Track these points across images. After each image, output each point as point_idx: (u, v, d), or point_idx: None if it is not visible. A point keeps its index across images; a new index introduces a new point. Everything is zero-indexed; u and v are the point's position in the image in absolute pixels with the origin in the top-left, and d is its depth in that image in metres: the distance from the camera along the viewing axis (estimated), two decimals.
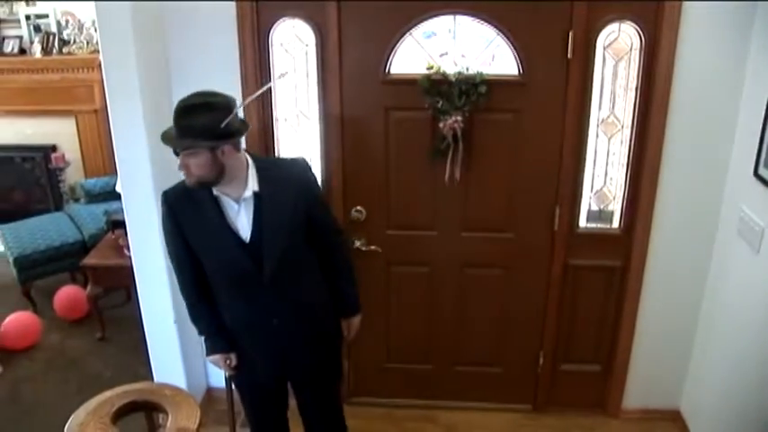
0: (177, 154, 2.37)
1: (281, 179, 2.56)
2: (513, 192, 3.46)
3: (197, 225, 2.54)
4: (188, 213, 2.53)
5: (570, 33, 3.12)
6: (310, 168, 2.70)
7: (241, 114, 2.62)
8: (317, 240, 2.72)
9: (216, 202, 2.50)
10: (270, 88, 2.60)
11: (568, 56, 3.16)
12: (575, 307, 3.66)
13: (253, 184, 2.48)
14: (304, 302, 2.69)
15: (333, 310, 2.88)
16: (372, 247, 3.59)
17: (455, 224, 3.55)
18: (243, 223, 2.52)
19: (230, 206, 2.51)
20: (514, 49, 3.20)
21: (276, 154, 3.52)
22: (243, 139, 2.48)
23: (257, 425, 3.02)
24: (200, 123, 2.28)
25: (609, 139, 3.36)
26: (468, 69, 3.22)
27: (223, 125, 2.28)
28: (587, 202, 3.50)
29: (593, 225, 3.54)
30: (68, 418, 1.86)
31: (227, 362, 2.77)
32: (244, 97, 3.29)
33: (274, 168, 2.61)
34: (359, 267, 3.57)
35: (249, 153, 2.55)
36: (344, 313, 2.95)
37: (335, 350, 2.96)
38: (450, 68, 3.24)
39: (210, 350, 2.76)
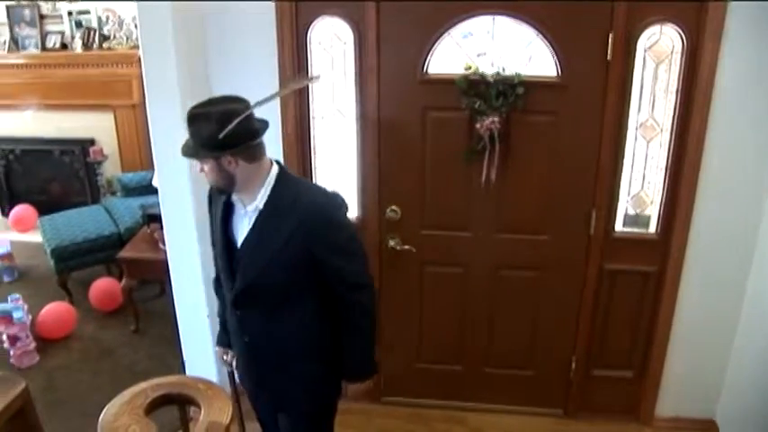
0: None
1: (289, 208, 2.39)
2: (549, 194, 3.43)
3: (214, 218, 2.59)
4: (214, 205, 2.58)
5: (610, 35, 3.09)
6: (339, 208, 2.47)
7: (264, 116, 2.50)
8: (331, 290, 2.49)
9: (230, 204, 2.50)
10: (296, 87, 2.45)
11: (608, 58, 3.13)
12: (609, 312, 3.62)
13: (261, 201, 2.41)
14: (275, 336, 2.55)
15: (321, 360, 2.63)
16: (406, 247, 3.58)
17: (489, 225, 3.53)
18: (241, 233, 2.48)
19: (239, 212, 2.48)
20: (553, 50, 3.17)
21: (312, 152, 3.54)
22: (271, 148, 2.45)
23: (260, 422, 2.97)
24: (201, 133, 2.27)
25: (647, 143, 3.32)
26: (505, 70, 3.20)
27: (221, 136, 2.21)
28: (624, 206, 3.45)
29: (629, 229, 3.49)
30: (102, 407, 1.88)
31: (225, 357, 2.80)
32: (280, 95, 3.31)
33: (292, 194, 2.42)
34: (392, 266, 3.63)
35: (282, 168, 2.46)
36: (343, 375, 2.68)
37: (315, 395, 2.70)
38: (488, 69, 3.22)
39: (217, 340, 2.84)
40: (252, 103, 2.27)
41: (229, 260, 2.51)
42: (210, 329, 3.57)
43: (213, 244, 2.63)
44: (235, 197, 2.46)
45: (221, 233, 2.52)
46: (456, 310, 3.75)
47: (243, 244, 2.47)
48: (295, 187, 2.46)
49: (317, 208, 2.41)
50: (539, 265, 3.60)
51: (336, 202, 2.47)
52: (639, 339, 3.65)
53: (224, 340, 2.79)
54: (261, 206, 2.40)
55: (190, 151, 2.34)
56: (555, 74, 3.22)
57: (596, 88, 3.19)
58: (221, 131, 2.20)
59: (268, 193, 2.40)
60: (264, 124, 2.38)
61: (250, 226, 2.44)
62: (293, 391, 2.63)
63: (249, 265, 2.46)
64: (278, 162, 2.47)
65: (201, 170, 2.36)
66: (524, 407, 3.92)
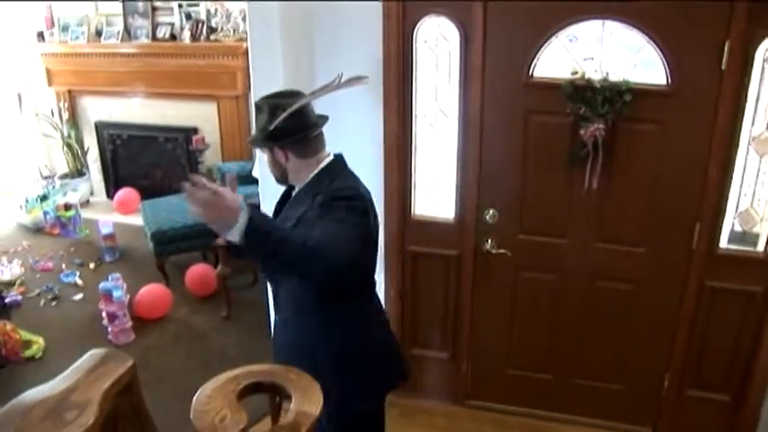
0: None
1: (311, 198, 2.34)
2: (652, 205, 3.33)
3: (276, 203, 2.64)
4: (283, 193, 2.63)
5: (726, 44, 2.97)
6: (346, 199, 2.27)
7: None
8: None
9: (290, 193, 2.55)
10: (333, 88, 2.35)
11: (722, 67, 3.01)
12: (707, 331, 3.48)
13: (299, 188, 2.46)
14: (296, 327, 2.52)
15: (338, 370, 2.47)
16: (502, 251, 3.55)
17: (588, 234, 3.46)
18: None
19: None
20: (664, 57, 3.08)
21: (413, 150, 3.55)
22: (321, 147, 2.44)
23: None
24: (257, 124, 2.37)
25: (760, 158, 3.18)
26: (608, 75, 3.13)
27: (271, 128, 2.29)
28: (730, 222, 3.32)
29: (734, 246, 3.35)
30: (191, 389, 1.92)
31: None
32: (385, 93, 3.33)
33: (326, 182, 2.38)
34: (486, 269, 3.62)
35: (336, 160, 2.44)
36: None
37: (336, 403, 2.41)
38: (595, 74, 3.15)
39: None
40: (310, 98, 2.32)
41: None
42: None
43: None
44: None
45: (274, 214, 2.59)
46: (548, 318, 3.70)
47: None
48: (333, 177, 2.40)
49: (332, 188, 2.31)
50: (636, 278, 3.50)
51: (349, 194, 2.30)
52: (739, 362, 3.50)
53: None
54: (296, 192, 2.47)
55: (251, 139, 2.46)
56: (664, 82, 3.12)
57: (708, 98, 3.08)
58: (271, 123, 2.27)
59: (308, 179, 2.42)
60: (322, 120, 2.41)
61: (284, 208, 2.52)
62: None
63: None
64: (336, 155, 2.47)
65: (266, 160, 2.45)
66: (612, 422, 3.82)
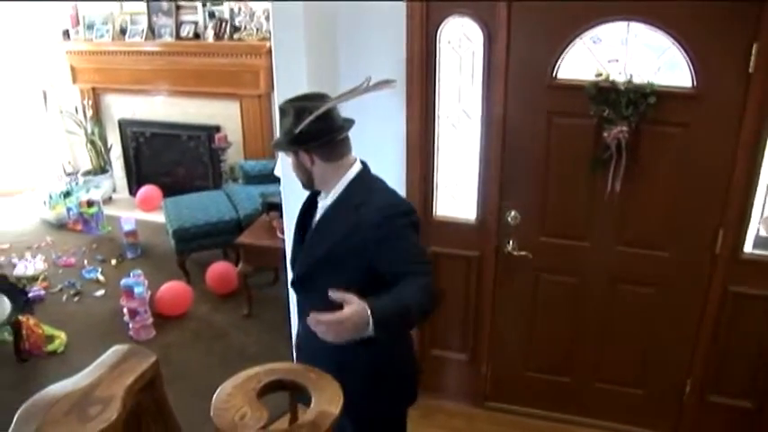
0: None
1: (354, 208, 2.31)
2: (675, 209, 3.30)
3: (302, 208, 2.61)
4: (308, 197, 2.60)
5: (754, 46, 2.93)
6: (403, 216, 2.29)
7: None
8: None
9: (315, 199, 2.52)
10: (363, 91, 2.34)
11: (750, 70, 2.98)
12: (730, 336, 3.44)
13: (332, 197, 2.40)
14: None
15: (368, 375, 2.44)
16: (523, 253, 3.53)
17: (610, 237, 3.43)
18: (313, 224, 2.50)
19: (320, 204, 2.48)
20: (689, 59, 3.05)
21: (435, 150, 3.54)
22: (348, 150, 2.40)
23: None
24: (282, 127, 2.34)
25: None
26: (633, 77, 3.11)
27: (296, 131, 2.25)
28: (755, 228, 3.29)
29: (759, 252, 3.31)
30: (211, 386, 1.92)
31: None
32: (408, 93, 3.33)
33: (362, 195, 2.34)
34: (507, 271, 3.61)
35: (364, 169, 2.42)
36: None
37: (359, 407, 2.30)
38: (619, 76, 3.13)
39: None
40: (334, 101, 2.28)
41: (299, 247, 2.55)
42: None
43: None
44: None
45: (299, 220, 2.57)
46: (568, 321, 3.68)
47: (309, 235, 2.49)
48: (368, 189, 2.37)
49: (380, 212, 2.27)
50: (658, 282, 3.47)
51: (403, 210, 2.33)
52: (762, 370, 3.46)
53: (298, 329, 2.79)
54: (329, 203, 2.40)
55: (275, 142, 2.43)
56: (689, 84, 3.09)
57: (734, 101, 3.05)
58: (296, 127, 2.24)
59: (341, 190, 2.38)
60: (349, 123, 2.37)
61: (318, 219, 2.46)
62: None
63: (307, 256, 2.47)
64: (363, 162, 2.44)
65: (291, 163, 2.42)
66: (632, 426, 3.79)
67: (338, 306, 2.14)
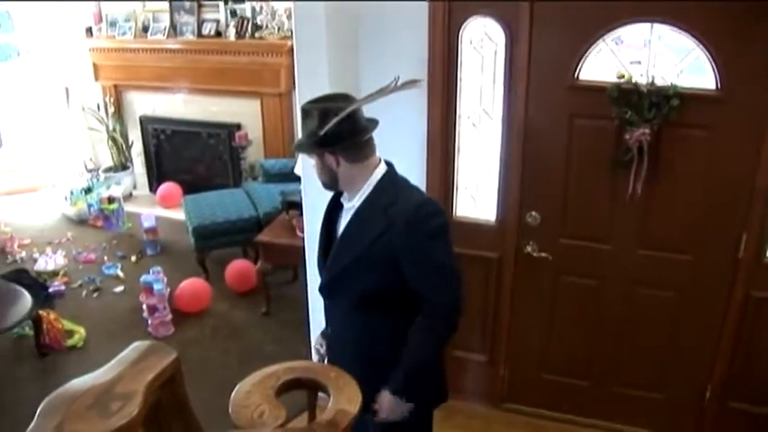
0: None
1: (383, 210, 2.33)
2: (697, 212, 3.27)
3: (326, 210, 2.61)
4: (332, 199, 2.60)
5: None
6: (433, 216, 2.34)
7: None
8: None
9: (339, 197, 2.52)
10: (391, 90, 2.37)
11: None
12: (753, 342, 3.41)
13: (359, 200, 2.40)
14: (354, 336, 2.52)
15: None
16: (543, 254, 3.52)
17: (631, 240, 3.41)
18: (340, 228, 2.49)
19: (345, 207, 2.48)
20: (714, 62, 3.02)
21: (456, 151, 3.53)
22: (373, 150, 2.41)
23: None
24: (306, 128, 2.33)
25: None
26: (653, 79, 3.09)
27: (321, 133, 2.24)
28: None
29: None
30: (228, 383, 1.93)
31: (320, 347, 2.77)
32: (429, 93, 3.32)
33: (389, 196, 2.36)
34: (526, 272, 3.59)
35: (389, 169, 2.43)
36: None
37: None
38: (641, 78, 3.11)
39: (322, 330, 2.79)
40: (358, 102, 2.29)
41: (326, 250, 2.53)
42: None
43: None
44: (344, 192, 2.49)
45: (325, 223, 2.57)
46: (587, 323, 3.66)
47: (337, 238, 2.48)
48: (395, 190, 2.38)
49: (409, 214, 2.30)
50: (679, 286, 3.45)
51: (431, 211, 2.36)
52: None
53: (324, 329, 2.79)
54: (357, 205, 2.40)
55: (297, 144, 2.43)
56: (714, 87, 3.06)
57: (760, 105, 3.01)
58: (321, 128, 2.23)
59: (368, 192, 2.38)
60: (373, 124, 2.37)
61: (346, 222, 2.45)
62: (368, 394, 2.42)
63: (336, 261, 2.46)
64: (388, 163, 2.44)
65: (314, 165, 2.42)
66: (650, 431, 3.77)
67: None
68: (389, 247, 2.31)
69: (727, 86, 3.03)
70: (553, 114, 3.31)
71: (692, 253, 3.36)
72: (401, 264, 2.31)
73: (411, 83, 2.30)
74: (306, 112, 2.33)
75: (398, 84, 2.28)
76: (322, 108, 2.27)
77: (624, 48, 3.15)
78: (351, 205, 2.43)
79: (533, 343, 3.78)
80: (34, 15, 7.23)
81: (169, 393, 1.64)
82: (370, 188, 2.38)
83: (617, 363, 3.69)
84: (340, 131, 2.25)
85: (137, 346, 1.66)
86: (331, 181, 2.41)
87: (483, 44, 3.34)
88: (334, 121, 2.20)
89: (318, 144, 2.29)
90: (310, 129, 2.30)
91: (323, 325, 2.75)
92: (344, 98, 2.34)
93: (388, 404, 2.42)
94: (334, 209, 2.56)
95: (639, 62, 3.15)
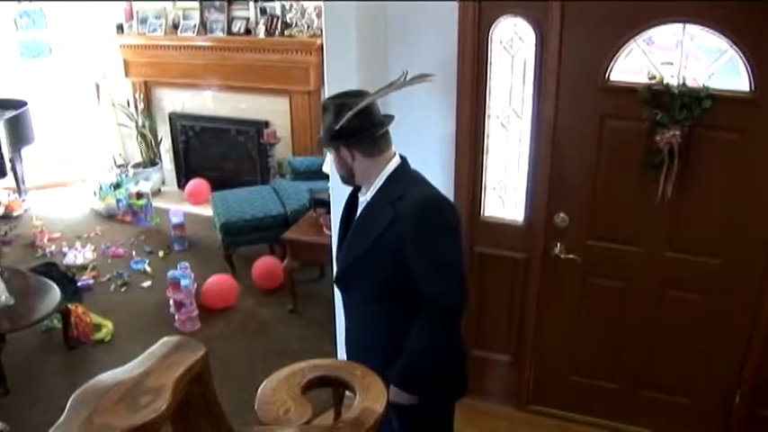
0: None
1: (392, 203, 2.37)
2: (728, 215, 3.23)
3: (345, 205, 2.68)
4: (351, 193, 2.66)
5: None
6: (440, 212, 2.38)
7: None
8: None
9: (356, 194, 2.58)
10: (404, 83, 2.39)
11: None
12: None
13: (371, 192, 2.45)
14: (368, 328, 2.57)
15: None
16: (571, 256, 3.50)
17: (660, 242, 3.38)
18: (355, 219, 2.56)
19: (359, 203, 2.55)
20: (748, 63, 2.97)
21: (484, 150, 3.51)
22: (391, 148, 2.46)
23: None
24: (324, 123, 2.40)
25: None
26: (684, 80, 3.05)
27: (336, 127, 2.32)
28: None
29: None
30: (254, 379, 1.95)
31: None
32: (458, 92, 3.31)
33: (400, 189, 2.39)
34: (554, 274, 3.57)
35: (403, 163, 2.47)
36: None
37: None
38: (672, 79, 3.08)
39: None
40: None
41: (340, 244, 2.62)
42: None
43: None
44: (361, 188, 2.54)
45: (344, 217, 2.63)
46: (615, 326, 3.62)
47: (350, 232, 2.54)
48: (405, 184, 2.42)
49: (416, 207, 2.34)
50: (708, 289, 3.40)
51: (439, 207, 2.40)
52: None
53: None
54: (369, 198, 2.46)
55: (318, 139, 2.51)
56: (747, 89, 3.02)
57: None
58: (337, 123, 2.30)
59: (379, 185, 2.44)
60: (388, 119, 2.42)
61: (358, 216, 2.51)
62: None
63: (348, 251, 2.53)
64: (402, 157, 2.49)
65: (332, 160, 2.49)
66: None
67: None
68: (396, 240, 2.35)
69: (761, 88, 2.99)
70: (583, 115, 3.28)
71: (723, 256, 3.32)
72: (406, 257, 2.35)
73: (421, 77, 2.36)
74: (324, 107, 2.41)
75: (407, 78, 2.36)
76: (337, 103, 2.36)
77: (655, 48, 3.12)
78: (364, 199, 2.49)
79: (560, 344, 3.75)
80: (66, 13, 7.32)
81: (198, 389, 1.65)
82: (382, 181, 2.44)
83: (644, 366, 3.66)
84: (354, 126, 2.32)
85: (166, 341, 1.68)
86: (348, 175, 2.48)
87: (513, 44, 3.32)
88: (349, 115, 2.27)
89: (334, 138, 2.37)
90: (328, 123, 2.38)
91: None
92: (360, 94, 2.40)
93: (395, 396, 2.38)
94: (352, 203, 2.62)
95: (671, 63, 3.11)
